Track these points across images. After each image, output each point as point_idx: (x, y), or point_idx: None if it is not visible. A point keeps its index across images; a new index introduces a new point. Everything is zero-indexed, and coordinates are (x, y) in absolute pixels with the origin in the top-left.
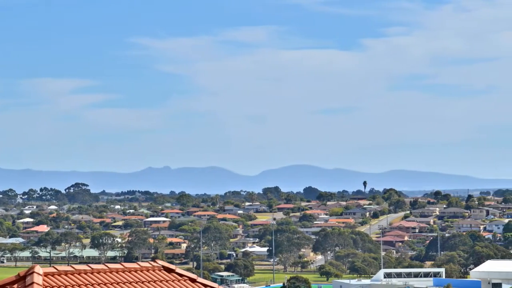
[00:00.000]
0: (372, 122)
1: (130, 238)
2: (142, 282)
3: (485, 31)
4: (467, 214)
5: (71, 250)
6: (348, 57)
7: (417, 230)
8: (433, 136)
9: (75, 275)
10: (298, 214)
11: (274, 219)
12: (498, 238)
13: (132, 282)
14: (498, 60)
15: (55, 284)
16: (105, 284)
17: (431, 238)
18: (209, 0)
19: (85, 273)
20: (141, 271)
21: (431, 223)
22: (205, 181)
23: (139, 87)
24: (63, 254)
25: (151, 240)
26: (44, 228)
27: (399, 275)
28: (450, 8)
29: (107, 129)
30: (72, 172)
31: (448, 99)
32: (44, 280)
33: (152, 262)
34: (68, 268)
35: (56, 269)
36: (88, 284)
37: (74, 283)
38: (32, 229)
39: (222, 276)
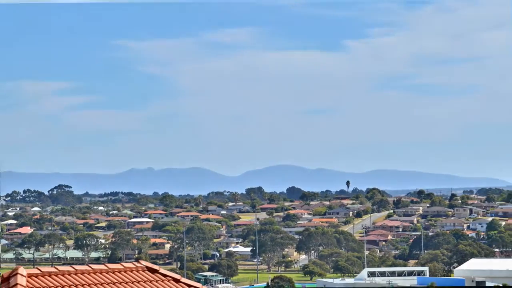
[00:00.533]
0: (355, 122)
1: (113, 239)
2: (126, 283)
3: (467, 31)
4: (450, 213)
5: (54, 251)
6: (331, 58)
7: (400, 229)
8: (416, 136)
9: (59, 276)
10: (281, 214)
11: (258, 219)
12: (481, 237)
13: (116, 282)
14: (481, 60)
15: (39, 285)
16: (89, 285)
17: (415, 237)
18: (191, 2)
19: (69, 274)
20: (125, 271)
21: (415, 222)
22: (188, 181)
23: (121, 88)
24: (47, 255)
25: (135, 241)
26: (27, 230)
27: (382, 274)
28: (432, 8)
29: (89, 131)
30: (55, 174)
31: (431, 99)
32: (27, 281)
33: (135, 263)
34: (52, 269)
35: (40, 270)
36: (72, 285)
37: (58, 284)
38: (15, 230)
39: (205, 276)
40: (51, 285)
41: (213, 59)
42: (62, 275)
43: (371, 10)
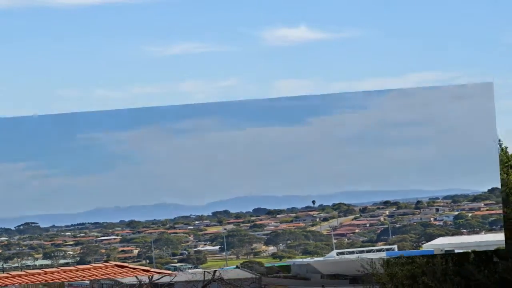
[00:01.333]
0: (318, 163)
1: (81, 251)
2: (96, 276)
3: (429, 103)
4: (417, 212)
5: (23, 262)
6: (292, 130)
7: (368, 225)
8: (379, 169)
9: (29, 276)
10: (248, 224)
11: (225, 229)
12: (449, 224)
13: (87, 276)
14: (441, 121)
15: (9, 282)
16: (59, 280)
17: (382, 228)
18: (147, 107)
19: (39, 274)
20: (95, 269)
21: (382, 220)
22: (154, 215)
23: (84, 162)
24: (16, 264)
25: (103, 250)
26: None
27: (351, 253)
28: (394, 94)
29: (53, 188)
30: (21, 217)
31: (393, 147)
32: None
33: (105, 263)
34: (22, 272)
35: (10, 274)
36: (42, 280)
37: (28, 281)
38: None
39: (175, 266)
40: (21, 282)
41: (175, 139)
42: (32, 275)
43: (332, 99)
